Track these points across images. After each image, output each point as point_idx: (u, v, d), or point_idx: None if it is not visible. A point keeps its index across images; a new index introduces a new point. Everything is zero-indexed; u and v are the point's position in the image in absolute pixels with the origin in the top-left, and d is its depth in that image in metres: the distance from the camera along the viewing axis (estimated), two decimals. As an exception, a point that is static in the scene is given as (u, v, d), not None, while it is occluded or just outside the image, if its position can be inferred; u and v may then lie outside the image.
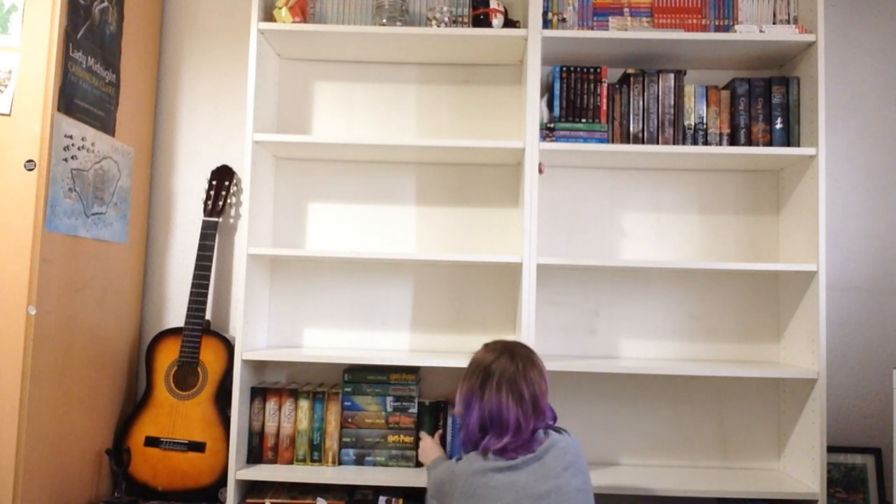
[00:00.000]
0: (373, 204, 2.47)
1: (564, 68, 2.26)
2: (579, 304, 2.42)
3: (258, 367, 2.36)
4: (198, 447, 2.23)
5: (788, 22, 2.32)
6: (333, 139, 2.20)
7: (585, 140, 2.22)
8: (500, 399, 1.61)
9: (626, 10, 2.33)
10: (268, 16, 2.28)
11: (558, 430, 1.69)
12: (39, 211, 1.86)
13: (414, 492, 2.22)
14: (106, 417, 2.25)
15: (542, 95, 2.25)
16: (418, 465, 2.24)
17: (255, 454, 2.24)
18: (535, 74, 2.19)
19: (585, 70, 2.25)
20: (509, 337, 2.40)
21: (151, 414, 2.26)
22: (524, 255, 2.14)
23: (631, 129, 2.26)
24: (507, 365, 1.64)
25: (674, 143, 2.24)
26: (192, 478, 2.22)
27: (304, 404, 2.24)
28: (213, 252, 2.34)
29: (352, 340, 2.43)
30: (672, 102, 2.25)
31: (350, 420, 2.24)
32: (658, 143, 2.24)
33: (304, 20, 2.29)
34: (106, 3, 2.14)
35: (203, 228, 2.35)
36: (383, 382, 2.25)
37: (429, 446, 2.09)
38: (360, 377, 2.25)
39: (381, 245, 2.46)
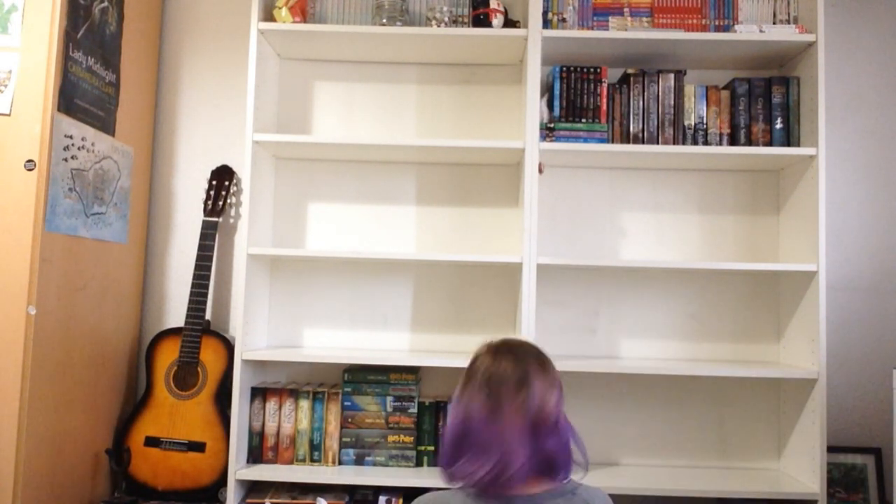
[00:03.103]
0: (373, 204, 2.47)
1: (564, 68, 2.26)
2: (579, 304, 2.42)
3: (258, 367, 2.36)
4: (198, 447, 2.23)
5: (788, 22, 2.32)
6: (333, 139, 2.20)
7: (585, 140, 2.22)
8: (477, 404, 1.18)
9: (626, 10, 2.33)
10: (268, 16, 2.28)
11: (567, 484, 1.23)
12: (39, 211, 1.86)
13: (414, 492, 2.21)
14: (106, 417, 2.25)
15: (542, 95, 2.25)
16: (418, 464, 2.25)
17: (256, 454, 2.24)
18: (535, 74, 2.19)
19: (585, 70, 2.25)
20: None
21: (151, 414, 2.26)
22: (524, 255, 2.14)
23: (631, 129, 2.26)
24: (491, 363, 1.22)
25: (674, 143, 2.24)
26: (192, 478, 2.22)
27: (304, 404, 2.25)
28: (213, 252, 2.34)
29: (352, 340, 2.43)
30: (672, 102, 2.25)
31: (350, 420, 2.24)
32: (658, 143, 2.24)
33: (304, 20, 2.29)
34: (106, 3, 2.14)
35: (203, 228, 2.35)
36: (383, 382, 2.25)
37: None
38: (360, 377, 2.25)
39: (381, 245, 2.46)
